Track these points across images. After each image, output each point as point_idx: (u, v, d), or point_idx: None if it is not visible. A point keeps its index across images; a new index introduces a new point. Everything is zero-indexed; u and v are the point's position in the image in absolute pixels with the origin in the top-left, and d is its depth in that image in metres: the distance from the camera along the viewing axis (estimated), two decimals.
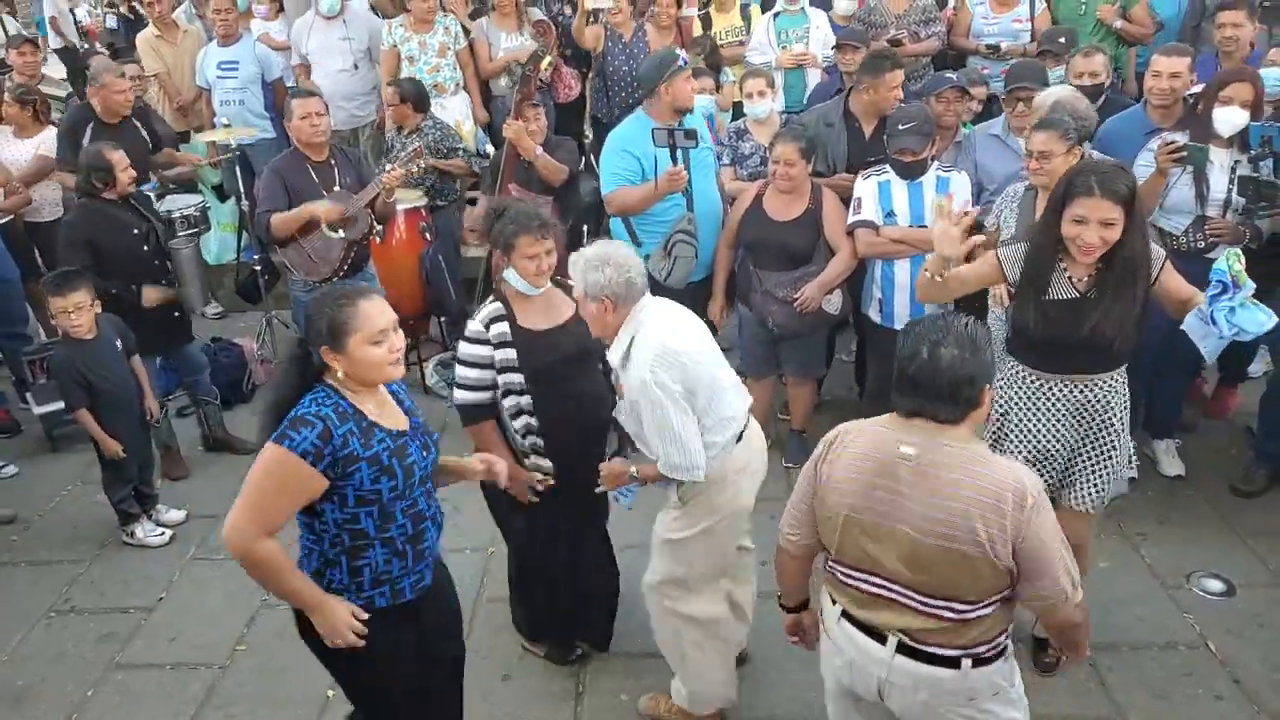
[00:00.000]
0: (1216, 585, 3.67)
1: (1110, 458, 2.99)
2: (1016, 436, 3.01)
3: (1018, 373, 3.00)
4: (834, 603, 2.27)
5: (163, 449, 4.66)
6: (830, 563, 2.25)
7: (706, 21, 6.10)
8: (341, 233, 4.34)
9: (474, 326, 3.00)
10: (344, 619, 2.34)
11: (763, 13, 5.91)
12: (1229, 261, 2.59)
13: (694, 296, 4.26)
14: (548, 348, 2.97)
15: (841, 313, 4.25)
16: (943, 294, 2.97)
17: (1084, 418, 2.94)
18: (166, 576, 4.00)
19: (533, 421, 3.06)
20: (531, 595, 3.39)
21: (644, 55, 5.95)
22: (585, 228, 5.79)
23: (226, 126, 5.59)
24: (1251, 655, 3.34)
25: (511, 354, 2.98)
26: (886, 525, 2.07)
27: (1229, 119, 3.66)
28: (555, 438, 3.08)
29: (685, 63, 4.14)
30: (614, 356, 2.74)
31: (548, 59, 5.33)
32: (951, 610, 2.07)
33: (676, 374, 2.61)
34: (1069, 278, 2.77)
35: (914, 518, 2.04)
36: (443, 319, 5.45)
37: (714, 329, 4.34)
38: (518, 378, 3.01)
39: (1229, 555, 3.83)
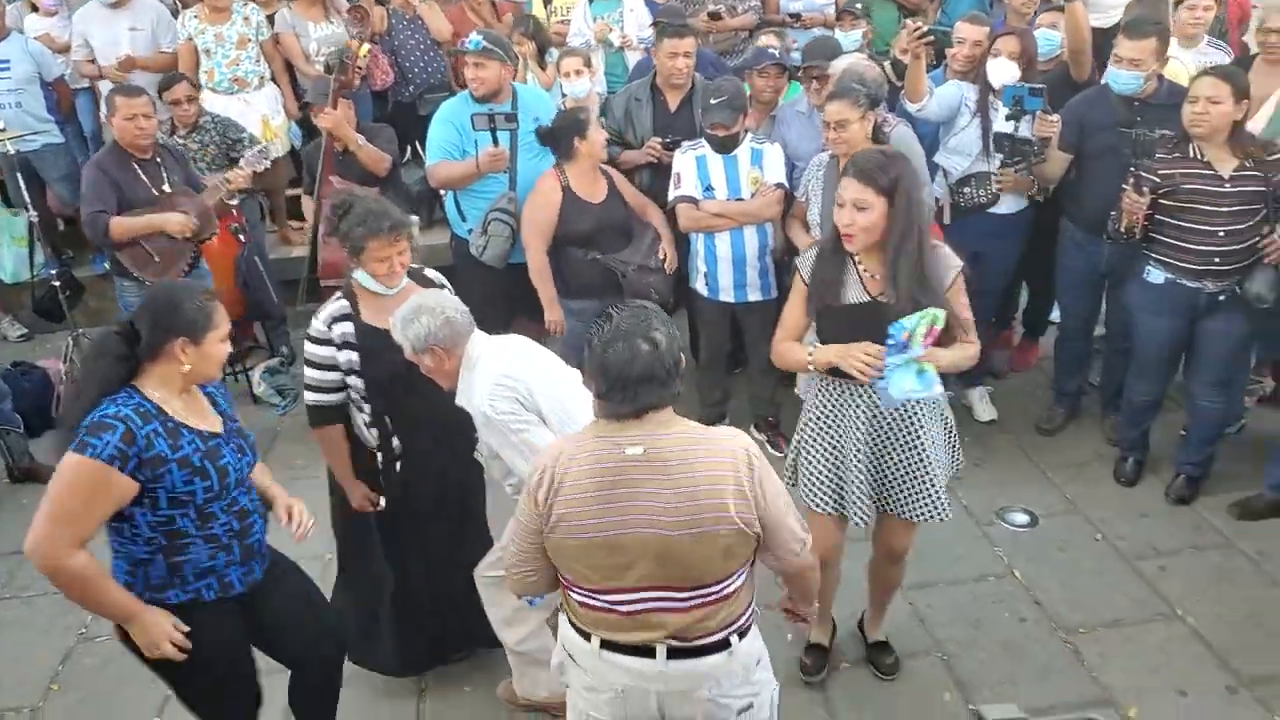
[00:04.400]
0: (1021, 518, 3.95)
1: (924, 466, 2.80)
2: (817, 451, 2.87)
3: (822, 382, 2.83)
4: (587, 637, 2.11)
5: None
6: (575, 595, 2.10)
7: None
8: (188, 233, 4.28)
9: (318, 325, 2.89)
10: (163, 630, 2.28)
11: None
12: (920, 320, 2.47)
13: (517, 279, 4.23)
14: (394, 349, 2.78)
15: (667, 292, 4.30)
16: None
17: (887, 426, 2.78)
18: None
19: (385, 428, 2.97)
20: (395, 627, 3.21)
21: (426, 30, 5.83)
22: (416, 218, 5.69)
23: (2, 131, 5.16)
24: (1050, 579, 3.63)
25: (355, 357, 2.88)
26: (631, 534, 1.97)
27: (998, 69, 3.94)
28: (407, 452, 2.99)
29: (479, 45, 4.13)
30: (461, 400, 2.69)
31: (365, 46, 5.18)
32: (712, 592, 2.03)
33: (514, 402, 2.57)
34: (862, 276, 2.65)
35: (658, 516, 1.96)
36: (265, 323, 5.24)
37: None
38: (360, 383, 2.92)
39: (1034, 489, 4.14)
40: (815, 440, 2.87)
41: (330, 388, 2.94)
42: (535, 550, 2.08)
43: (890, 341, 2.49)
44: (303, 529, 2.53)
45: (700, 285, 4.24)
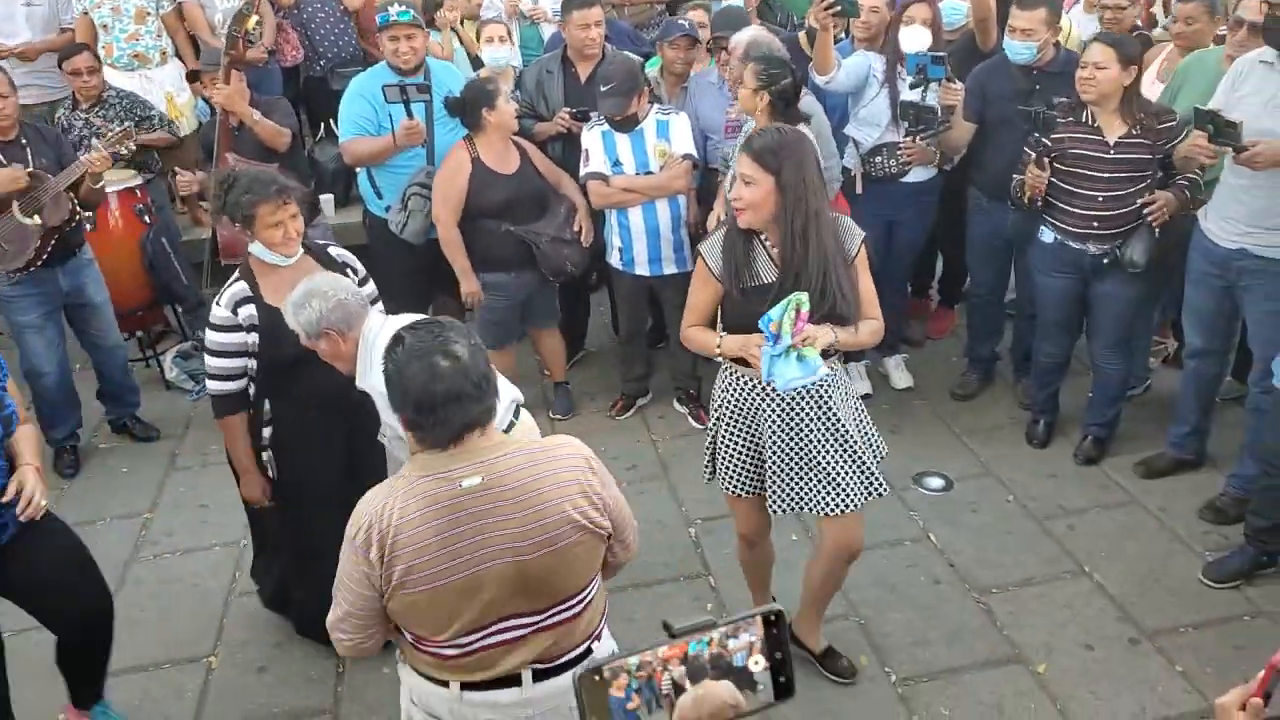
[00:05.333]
0: (937, 482, 4.02)
1: (849, 445, 2.74)
2: (731, 440, 2.83)
3: (729, 372, 2.80)
4: (445, 684, 1.96)
5: None
6: (425, 648, 1.93)
7: None
8: (37, 219, 3.96)
9: (221, 313, 2.83)
10: None
11: None
12: (785, 308, 2.45)
13: (437, 255, 4.16)
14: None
15: (583, 264, 4.29)
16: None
17: (802, 412, 2.71)
18: None
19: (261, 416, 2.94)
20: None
21: (338, 3, 5.66)
22: (332, 195, 5.59)
23: None
24: (964, 541, 3.70)
25: (256, 339, 2.84)
26: (484, 570, 1.84)
27: (911, 37, 3.93)
28: (291, 435, 2.95)
29: (409, 16, 4.06)
30: (361, 382, 2.64)
31: (254, 18, 5.03)
32: (573, 604, 1.95)
33: None
34: (771, 255, 2.62)
35: (511, 544, 1.84)
36: (178, 307, 5.08)
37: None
38: (254, 365, 2.88)
39: (949, 454, 4.21)
40: (729, 430, 2.84)
41: (236, 374, 2.91)
42: (374, 615, 1.89)
43: (767, 337, 2.48)
44: (32, 508, 2.44)
45: (615, 260, 4.24)
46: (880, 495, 2.86)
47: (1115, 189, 3.56)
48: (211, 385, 2.92)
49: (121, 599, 3.58)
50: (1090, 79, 3.47)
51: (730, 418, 2.83)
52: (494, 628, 1.90)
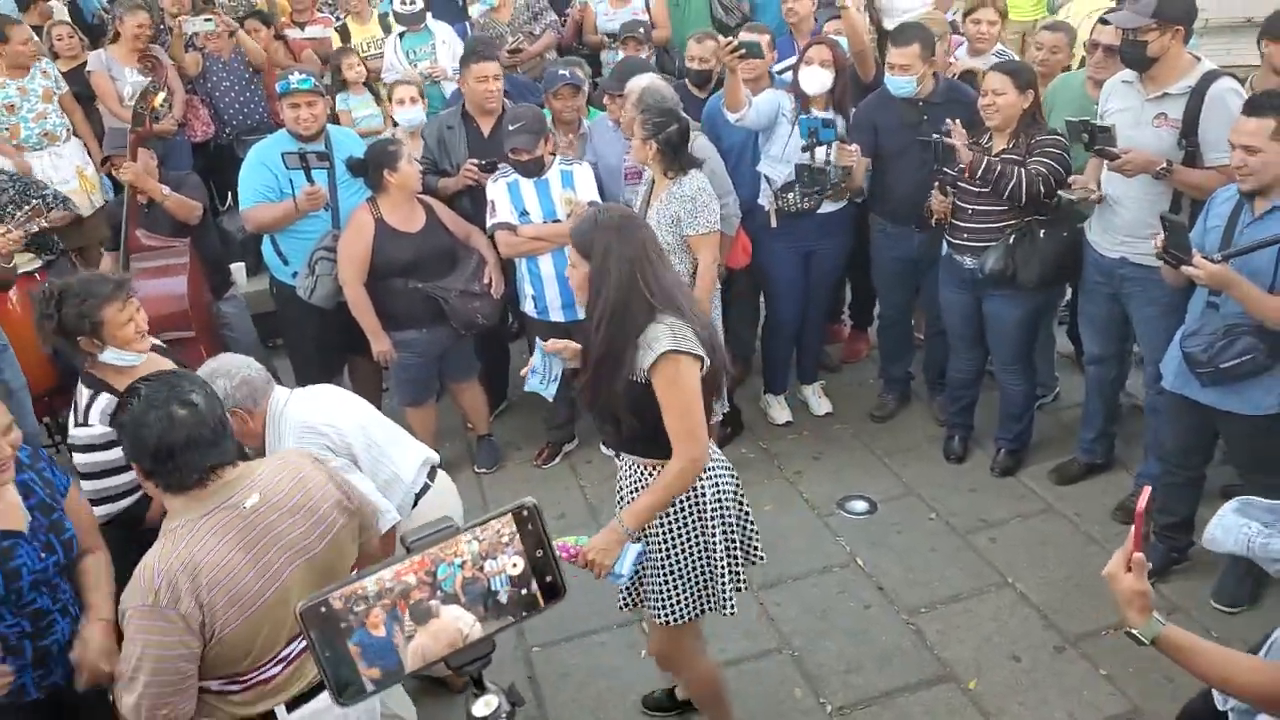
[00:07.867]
0: (861, 506, 4.07)
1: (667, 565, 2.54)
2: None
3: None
4: (270, 715, 2.09)
5: None
6: (251, 680, 2.05)
7: (345, 34, 5.95)
8: None
9: (96, 430, 2.61)
10: None
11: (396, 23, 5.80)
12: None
13: (348, 318, 4.11)
14: None
15: (494, 316, 4.28)
16: None
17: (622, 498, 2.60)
18: None
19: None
20: None
21: (244, 71, 5.70)
22: (244, 264, 5.53)
23: None
24: (890, 562, 3.75)
25: None
26: (288, 575, 2.01)
27: (810, 77, 4.01)
28: None
29: (309, 84, 4.07)
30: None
31: (161, 95, 5.00)
32: None
33: (322, 449, 2.55)
34: None
35: (301, 543, 2.04)
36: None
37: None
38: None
39: (871, 476, 4.27)
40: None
41: (128, 490, 2.69)
42: (189, 675, 1.92)
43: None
44: (88, 678, 2.27)
45: (529, 308, 4.24)
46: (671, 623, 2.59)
47: (980, 203, 3.72)
48: (104, 510, 2.64)
49: None
50: (991, 105, 3.64)
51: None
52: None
